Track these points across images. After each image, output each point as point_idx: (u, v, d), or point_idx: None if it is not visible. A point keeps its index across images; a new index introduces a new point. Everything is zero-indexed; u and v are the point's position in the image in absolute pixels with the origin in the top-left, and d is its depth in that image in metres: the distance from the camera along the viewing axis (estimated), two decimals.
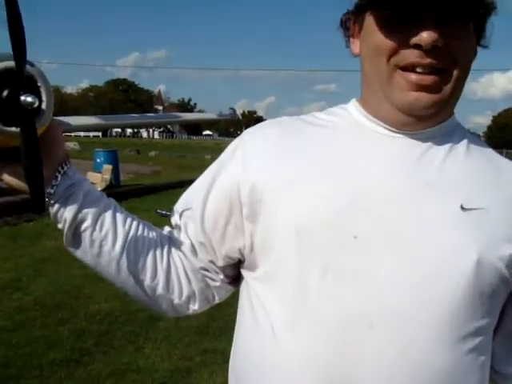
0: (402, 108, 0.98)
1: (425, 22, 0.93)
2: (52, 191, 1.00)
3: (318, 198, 0.97)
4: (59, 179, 1.01)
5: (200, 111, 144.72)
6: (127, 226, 1.08)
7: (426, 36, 0.92)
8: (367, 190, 0.96)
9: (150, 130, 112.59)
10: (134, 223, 1.10)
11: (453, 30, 0.94)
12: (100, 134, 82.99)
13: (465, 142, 1.05)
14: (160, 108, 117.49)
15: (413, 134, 1.01)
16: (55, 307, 5.62)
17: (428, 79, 0.95)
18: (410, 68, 0.96)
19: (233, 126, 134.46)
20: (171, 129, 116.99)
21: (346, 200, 0.96)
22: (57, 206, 1.01)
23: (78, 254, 1.07)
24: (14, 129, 0.91)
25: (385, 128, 1.02)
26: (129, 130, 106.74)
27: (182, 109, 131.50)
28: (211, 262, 1.11)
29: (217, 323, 5.08)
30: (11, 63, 0.89)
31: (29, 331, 4.93)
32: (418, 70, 0.95)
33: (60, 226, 1.04)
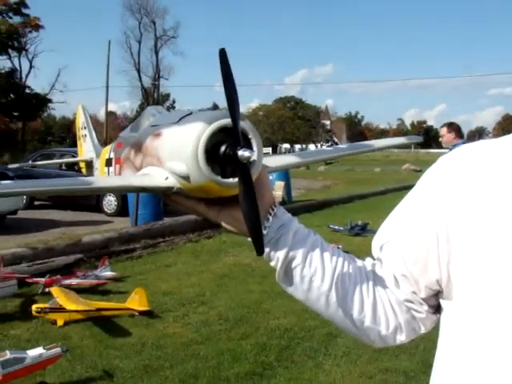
0: None
1: None
2: (265, 233, 1.08)
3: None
4: (270, 221, 1.09)
5: (367, 124, 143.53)
6: (334, 262, 1.12)
7: None
8: None
9: (318, 145, 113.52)
10: (340, 258, 1.13)
11: None
12: (270, 150, 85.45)
13: None
14: (327, 122, 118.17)
15: None
16: (237, 321, 5.89)
17: None
18: None
19: (402, 136, 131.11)
20: (339, 143, 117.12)
21: None
22: (269, 246, 1.09)
23: (289, 289, 1.13)
24: (230, 180, 1.02)
25: None
26: (297, 146, 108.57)
27: (349, 122, 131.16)
28: (414, 293, 1.11)
29: None
30: (225, 121, 1.01)
31: (215, 344, 5.22)
32: None
33: (272, 263, 1.11)
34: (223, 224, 1.11)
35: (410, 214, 1.11)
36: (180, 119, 1.23)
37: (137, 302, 5.90)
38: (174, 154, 1.13)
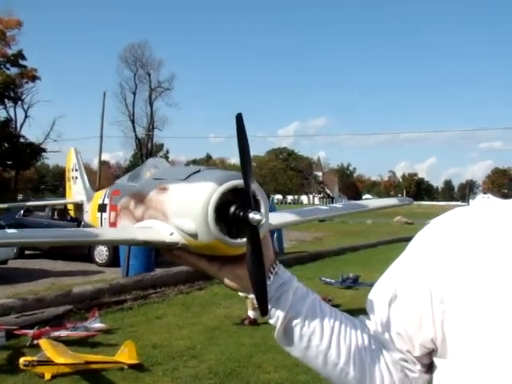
0: None
1: None
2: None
3: (504, 308, 0.96)
4: (272, 279, 1.11)
5: (359, 175, 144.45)
6: (332, 321, 1.14)
7: None
8: None
9: (311, 196, 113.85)
10: (338, 317, 1.16)
11: None
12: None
13: None
14: (319, 174, 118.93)
15: None
16: (228, 375, 5.81)
17: None
18: None
19: (393, 188, 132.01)
20: (331, 194, 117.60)
21: None
22: (270, 304, 1.09)
23: (287, 347, 1.15)
24: (239, 241, 1.06)
25: None
26: (289, 197, 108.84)
27: (341, 173, 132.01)
28: (408, 352, 1.13)
29: None
30: (235, 182, 1.05)
31: None
32: None
33: (272, 321, 1.13)
34: (225, 281, 1.13)
35: (405, 273, 1.14)
36: (188, 176, 1.25)
37: (126, 354, 5.83)
38: (182, 211, 1.15)
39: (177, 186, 1.25)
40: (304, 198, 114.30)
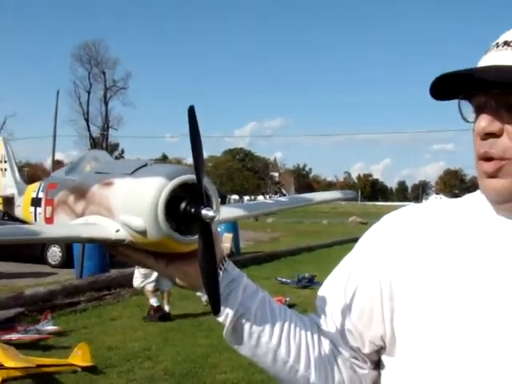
0: (485, 194, 1.01)
1: (484, 112, 0.96)
2: None
3: (451, 302, 0.98)
4: (221, 276, 1.08)
5: (315, 176, 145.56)
6: (282, 319, 1.13)
7: (478, 125, 0.96)
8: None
9: (267, 196, 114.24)
10: (288, 315, 1.15)
11: None
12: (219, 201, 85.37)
13: None
14: (276, 174, 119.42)
15: None
16: (183, 376, 5.78)
17: (487, 166, 0.96)
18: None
19: (348, 189, 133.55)
20: (287, 194, 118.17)
21: (477, 304, 0.97)
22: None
23: (236, 345, 1.13)
24: (190, 237, 1.02)
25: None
26: (246, 198, 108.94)
27: (297, 174, 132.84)
28: (358, 349, 1.14)
29: None
30: (186, 177, 1.02)
31: None
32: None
33: (221, 319, 1.10)
34: (171, 278, 1.10)
35: (354, 270, 1.14)
36: (134, 171, 1.20)
37: (80, 357, 5.72)
38: (130, 208, 1.11)
39: (123, 181, 1.20)
40: (260, 199, 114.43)
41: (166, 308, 8.24)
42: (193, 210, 0.99)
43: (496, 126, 0.95)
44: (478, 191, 1.09)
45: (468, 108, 1.02)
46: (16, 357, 5.65)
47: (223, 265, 1.10)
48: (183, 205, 1.01)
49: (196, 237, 1.00)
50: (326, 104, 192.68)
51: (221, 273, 1.09)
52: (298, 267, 12.85)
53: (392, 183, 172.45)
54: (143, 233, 1.05)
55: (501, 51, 0.97)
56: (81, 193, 1.45)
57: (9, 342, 6.27)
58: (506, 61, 0.95)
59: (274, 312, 1.13)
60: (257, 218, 34.88)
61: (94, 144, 63.80)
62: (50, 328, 7.16)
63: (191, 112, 0.93)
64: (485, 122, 0.95)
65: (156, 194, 1.03)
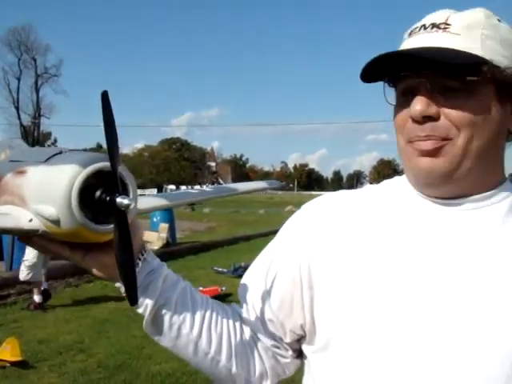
0: (416, 176, 1.00)
1: (419, 94, 0.95)
2: None
3: (371, 288, 0.99)
4: (140, 266, 1.06)
5: (252, 166, 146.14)
6: (203, 309, 1.12)
7: (414, 108, 0.95)
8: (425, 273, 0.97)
9: (204, 186, 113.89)
10: (209, 305, 1.14)
11: (452, 98, 0.94)
12: (155, 191, 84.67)
13: None
14: (213, 164, 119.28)
15: (456, 205, 0.99)
16: (117, 368, 5.70)
17: (426, 144, 0.95)
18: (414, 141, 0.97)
19: (284, 178, 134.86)
20: (223, 183, 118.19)
21: (400, 285, 0.97)
22: (138, 292, 1.02)
23: (157, 336, 1.11)
24: (105, 227, 0.98)
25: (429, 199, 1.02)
26: (183, 187, 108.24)
27: (234, 164, 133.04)
28: (280, 338, 1.14)
29: None
30: (101, 165, 0.97)
31: None
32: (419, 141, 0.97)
33: (140, 310, 1.08)
34: (89, 269, 1.07)
35: (275, 259, 1.14)
36: (48, 158, 1.14)
37: (8, 352, 5.55)
38: (43, 196, 1.06)
39: (36, 169, 1.14)
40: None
41: (37, 298, 8.16)
42: (108, 198, 0.96)
43: (433, 109, 0.94)
44: (395, 177, 1.11)
45: (391, 91, 1.02)
46: None
47: (143, 255, 1.08)
48: (98, 193, 0.98)
49: (112, 226, 0.97)
50: (262, 94, 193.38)
51: (140, 263, 1.07)
52: (234, 257, 12.86)
53: (328, 173, 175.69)
54: (56, 222, 1.01)
55: (430, 33, 0.97)
56: None
57: None
58: (440, 43, 0.95)
59: (196, 302, 1.12)
60: (193, 208, 34.74)
61: (25, 132, 61.94)
62: None
63: (104, 97, 0.89)
64: (421, 105, 0.94)
65: (69, 181, 0.98)
